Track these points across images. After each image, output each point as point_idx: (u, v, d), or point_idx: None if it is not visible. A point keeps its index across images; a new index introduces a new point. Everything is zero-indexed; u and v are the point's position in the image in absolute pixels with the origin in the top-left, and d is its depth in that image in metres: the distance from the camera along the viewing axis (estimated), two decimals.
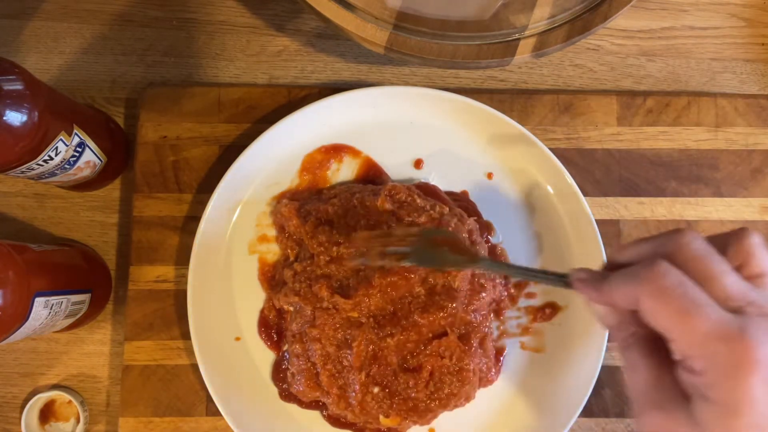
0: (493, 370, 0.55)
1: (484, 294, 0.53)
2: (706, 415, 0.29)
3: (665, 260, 0.30)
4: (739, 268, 0.31)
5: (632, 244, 0.33)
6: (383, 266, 0.50)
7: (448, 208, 0.54)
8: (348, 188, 0.56)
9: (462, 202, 0.57)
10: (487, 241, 0.57)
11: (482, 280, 0.54)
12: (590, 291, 0.33)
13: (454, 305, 0.51)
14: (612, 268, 0.33)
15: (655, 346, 0.31)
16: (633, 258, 0.32)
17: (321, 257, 0.53)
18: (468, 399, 0.53)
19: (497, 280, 0.56)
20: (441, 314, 0.51)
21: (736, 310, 0.29)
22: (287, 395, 0.55)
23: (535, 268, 0.41)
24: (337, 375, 0.52)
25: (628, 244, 0.33)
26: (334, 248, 0.52)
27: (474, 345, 0.52)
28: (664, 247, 0.31)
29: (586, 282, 0.34)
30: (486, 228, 0.57)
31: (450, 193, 0.58)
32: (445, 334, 0.51)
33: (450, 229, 0.52)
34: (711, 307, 0.28)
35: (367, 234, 0.49)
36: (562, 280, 0.36)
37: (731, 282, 0.29)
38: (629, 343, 0.32)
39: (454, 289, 0.51)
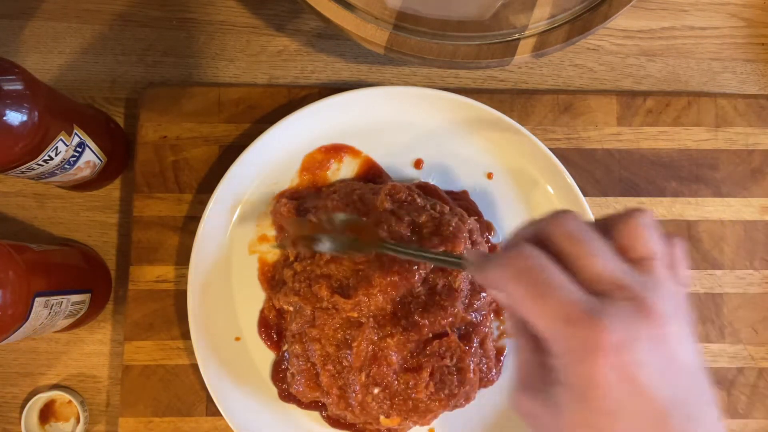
0: (494, 371, 0.55)
1: (484, 294, 0.53)
2: (561, 398, 0.28)
3: (533, 242, 0.30)
4: (623, 250, 0.30)
5: (521, 227, 0.33)
6: (299, 251, 0.52)
7: (448, 208, 0.54)
8: (348, 185, 0.56)
9: (462, 201, 0.57)
10: (487, 241, 0.57)
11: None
12: (477, 274, 0.33)
13: (455, 305, 0.51)
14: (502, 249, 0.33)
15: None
16: (517, 241, 0.32)
17: (322, 256, 0.52)
18: (468, 399, 0.53)
19: None
20: (441, 314, 0.51)
21: (602, 293, 0.28)
22: (287, 395, 0.55)
23: (435, 250, 0.42)
24: (337, 375, 0.51)
25: (519, 228, 0.33)
26: None
27: (474, 345, 0.53)
28: (543, 229, 0.31)
29: (474, 265, 0.34)
30: (486, 228, 0.57)
31: (450, 193, 0.58)
32: (445, 334, 0.51)
33: (451, 228, 0.52)
34: (566, 290, 0.28)
35: (297, 221, 0.51)
36: (457, 262, 0.37)
37: (602, 264, 0.29)
38: (517, 328, 0.32)
39: (455, 289, 0.51)
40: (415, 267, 0.51)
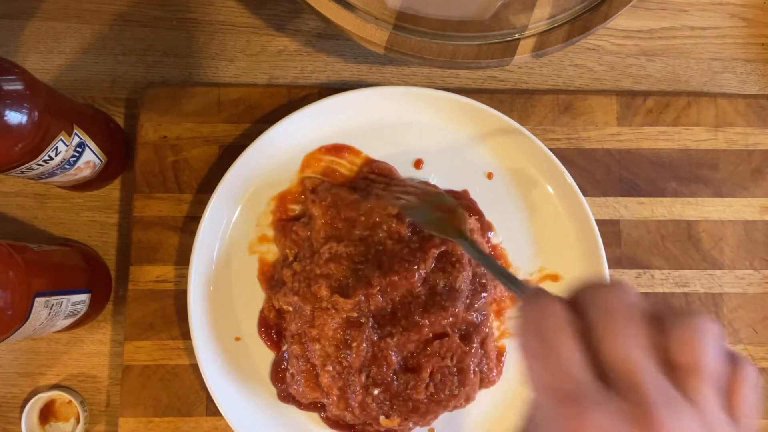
0: (495, 371, 0.55)
1: (485, 294, 0.53)
2: None
3: (569, 301, 0.27)
4: (671, 352, 0.25)
5: (582, 282, 0.29)
6: (393, 210, 0.53)
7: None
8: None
9: (463, 200, 0.57)
10: (488, 241, 0.57)
11: (483, 280, 0.54)
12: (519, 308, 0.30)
13: (456, 306, 0.51)
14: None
15: None
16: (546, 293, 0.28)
17: (321, 255, 0.52)
18: (468, 400, 0.53)
19: (496, 281, 0.56)
20: (442, 315, 0.51)
21: (608, 378, 0.24)
22: (286, 396, 0.55)
23: (504, 268, 0.42)
24: (336, 376, 0.51)
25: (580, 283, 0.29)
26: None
27: (475, 345, 0.52)
28: (586, 291, 0.27)
29: (524, 299, 0.30)
30: (486, 228, 0.57)
31: (450, 192, 0.57)
32: (446, 334, 0.51)
33: None
34: (568, 362, 0.25)
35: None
36: (517, 289, 0.36)
37: (624, 351, 0.24)
38: None
39: (456, 290, 0.51)
40: (415, 267, 0.51)
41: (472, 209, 0.57)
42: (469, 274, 0.52)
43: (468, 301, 0.52)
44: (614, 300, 0.26)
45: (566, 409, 0.24)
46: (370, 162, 0.58)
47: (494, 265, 0.43)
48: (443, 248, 0.52)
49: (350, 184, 0.56)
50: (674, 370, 0.24)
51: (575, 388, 0.24)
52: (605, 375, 0.24)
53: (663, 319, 0.26)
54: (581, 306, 0.26)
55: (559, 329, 0.26)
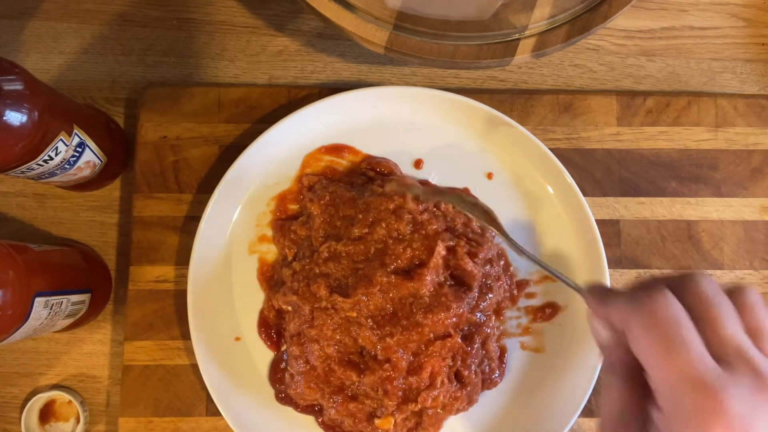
0: (497, 372, 0.55)
1: (491, 295, 0.53)
2: None
3: (672, 293, 0.30)
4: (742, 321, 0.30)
5: (651, 278, 0.33)
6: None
7: (451, 206, 0.54)
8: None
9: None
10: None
11: (489, 281, 0.54)
12: (595, 302, 0.33)
13: (461, 306, 0.50)
14: (629, 288, 0.33)
15: (637, 376, 0.31)
16: (649, 284, 0.32)
17: (321, 254, 0.52)
18: (471, 402, 0.53)
19: (500, 282, 0.55)
20: (444, 315, 0.50)
21: (725, 360, 0.28)
22: (283, 397, 0.55)
23: (552, 268, 0.43)
24: (335, 378, 0.51)
25: (649, 277, 0.34)
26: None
27: (476, 346, 0.52)
28: (678, 283, 0.30)
29: (593, 295, 0.34)
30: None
31: (452, 190, 0.57)
32: (447, 335, 0.51)
33: (456, 227, 0.52)
34: (696, 352, 0.28)
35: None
36: (573, 285, 0.38)
37: (731, 331, 0.28)
38: (614, 367, 0.32)
39: (467, 289, 0.51)
40: (426, 270, 0.50)
41: None
42: (483, 273, 0.52)
43: (474, 301, 0.52)
44: (706, 289, 0.30)
45: (705, 394, 0.27)
46: (368, 158, 0.57)
47: (542, 262, 0.44)
48: (450, 243, 0.52)
49: (348, 180, 0.56)
50: (752, 334, 0.29)
51: (710, 374, 0.27)
52: (716, 355, 0.28)
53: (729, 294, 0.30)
54: (680, 293, 0.30)
55: (683, 323, 0.28)
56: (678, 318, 0.28)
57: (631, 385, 0.31)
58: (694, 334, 0.28)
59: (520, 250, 0.46)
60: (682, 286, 0.30)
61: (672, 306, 0.29)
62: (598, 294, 0.33)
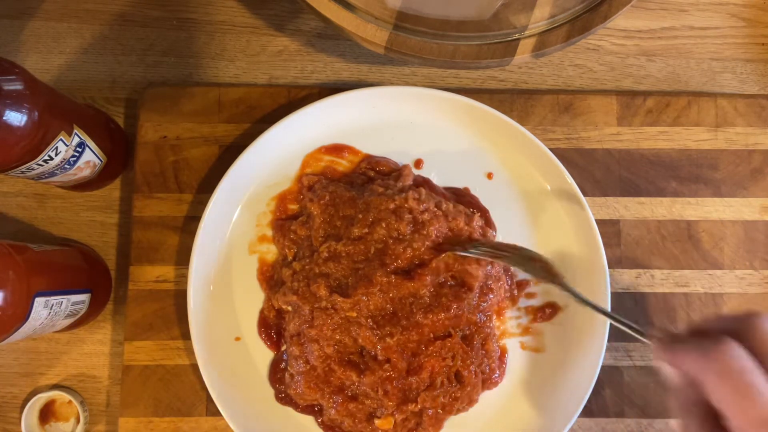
0: (497, 372, 0.55)
1: (492, 296, 0.53)
2: None
3: (735, 339, 0.31)
4: None
5: (714, 317, 0.35)
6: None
7: (452, 205, 0.54)
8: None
9: (466, 197, 0.57)
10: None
11: (490, 282, 0.53)
12: (664, 351, 0.35)
13: (462, 307, 0.50)
14: (692, 333, 0.35)
15: (713, 418, 0.32)
16: (710, 329, 0.34)
17: (320, 254, 0.52)
18: (471, 402, 0.53)
19: (500, 282, 0.55)
20: (444, 315, 0.50)
21: None
22: (283, 397, 0.55)
23: (618, 315, 0.44)
24: (335, 378, 0.51)
25: (712, 316, 0.35)
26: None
27: (476, 346, 0.52)
28: (741, 324, 0.32)
29: (662, 342, 0.35)
30: (491, 225, 0.57)
31: (452, 189, 0.57)
32: (448, 335, 0.51)
33: (458, 226, 0.52)
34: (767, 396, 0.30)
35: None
36: (639, 331, 0.39)
37: None
38: (690, 409, 0.34)
39: (468, 289, 0.51)
40: (426, 271, 0.51)
41: (476, 206, 0.57)
42: (482, 276, 0.52)
43: (475, 302, 0.52)
44: (764, 329, 0.32)
45: None
46: (368, 158, 0.57)
47: (607, 312, 0.46)
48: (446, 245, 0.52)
49: (348, 180, 0.56)
50: None
51: None
52: None
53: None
54: (742, 338, 0.32)
55: (752, 370, 0.31)
56: (747, 366, 0.31)
57: (708, 427, 0.33)
58: (762, 379, 0.30)
59: (583, 301, 0.47)
60: (744, 331, 0.32)
61: (739, 355, 0.31)
62: (665, 341, 0.35)
